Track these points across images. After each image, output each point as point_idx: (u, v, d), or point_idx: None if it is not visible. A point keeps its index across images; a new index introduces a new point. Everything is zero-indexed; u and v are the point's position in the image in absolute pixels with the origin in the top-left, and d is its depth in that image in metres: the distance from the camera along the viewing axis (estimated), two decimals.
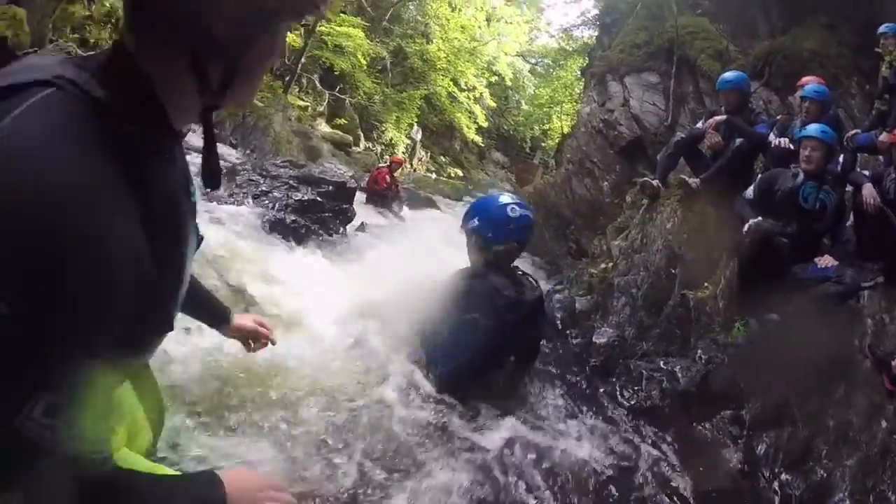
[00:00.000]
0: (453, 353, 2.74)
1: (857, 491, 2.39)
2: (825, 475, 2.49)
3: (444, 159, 24.31)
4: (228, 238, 4.35)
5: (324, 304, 3.40)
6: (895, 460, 2.41)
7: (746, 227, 3.54)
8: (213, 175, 0.92)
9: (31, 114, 0.69)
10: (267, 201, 5.51)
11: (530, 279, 3.07)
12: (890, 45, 4.82)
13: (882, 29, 4.94)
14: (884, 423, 2.55)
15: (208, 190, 0.94)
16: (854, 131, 4.75)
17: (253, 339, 1.67)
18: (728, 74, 5.06)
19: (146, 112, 0.80)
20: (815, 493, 2.46)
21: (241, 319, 1.59)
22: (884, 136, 4.03)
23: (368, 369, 2.75)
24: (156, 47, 0.80)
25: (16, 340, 0.65)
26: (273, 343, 1.72)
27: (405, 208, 11.30)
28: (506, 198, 3.04)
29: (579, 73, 13.78)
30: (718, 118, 4.80)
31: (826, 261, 3.38)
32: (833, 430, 2.61)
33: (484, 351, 2.74)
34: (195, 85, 0.82)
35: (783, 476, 2.56)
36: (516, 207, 2.93)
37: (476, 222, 2.93)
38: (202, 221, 1.05)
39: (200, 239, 0.97)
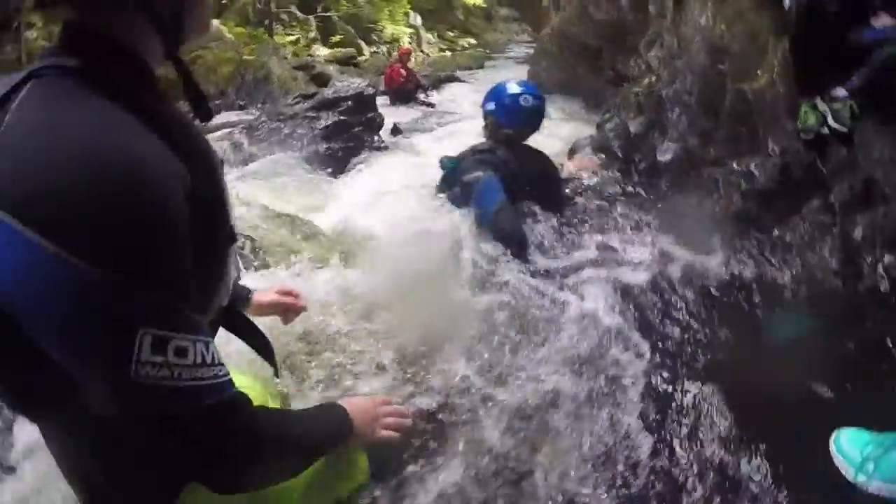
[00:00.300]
0: (481, 203, 2.93)
1: None
2: None
3: (452, 34, 23.39)
4: (270, 189, 4.34)
5: (382, 217, 3.43)
6: None
7: None
8: (202, 107, 0.91)
9: (31, 101, 0.71)
10: (294, 141, 5.46)
11: (541, 156, 3.36)
12: None
13: None
14: None
15: (204, 124, 0.93)
16: None
17: (283, 310, 1.61)
18: None
19: (121, 61, 0.82)
20: None
21: (260, 296, 1.53)
22: None
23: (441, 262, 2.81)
24: (97, 4, 0.82)
25: (108, 291, 0.67)
26: (305, 309, 1.66)
27: (433, 93, 11.16)
28: (517, 87, 3.26)
29: None
30: None
31: (883, 20, 3.02)
32: None
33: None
34: (149, 24, 0.83)
35: (885, 258, 2.37)
36: (529, 97, 3.18)
37: (492, 106, 3.23)
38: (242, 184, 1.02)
39: (221, 162, 0.98)
